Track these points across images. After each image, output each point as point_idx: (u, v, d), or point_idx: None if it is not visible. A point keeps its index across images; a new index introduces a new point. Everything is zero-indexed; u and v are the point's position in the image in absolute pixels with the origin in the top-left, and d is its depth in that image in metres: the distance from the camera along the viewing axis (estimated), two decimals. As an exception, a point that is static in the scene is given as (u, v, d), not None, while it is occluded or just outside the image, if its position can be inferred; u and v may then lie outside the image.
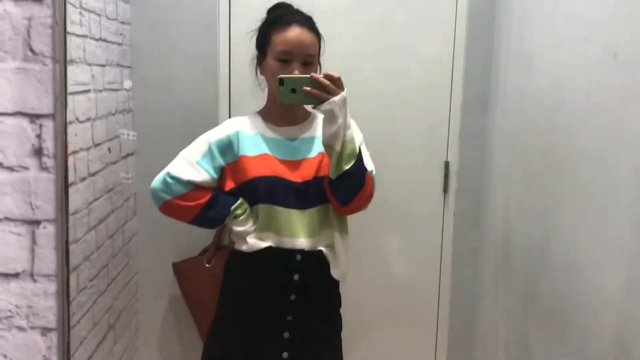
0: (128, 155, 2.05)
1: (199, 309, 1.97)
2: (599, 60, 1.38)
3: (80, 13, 1.60)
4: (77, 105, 1.60)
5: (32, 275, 1.07)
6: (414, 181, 2.18)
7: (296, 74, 1.54)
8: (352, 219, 1.71)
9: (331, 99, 1.45)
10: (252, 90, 1.75)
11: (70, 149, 1.54)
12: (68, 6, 1.13)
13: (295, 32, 1.56)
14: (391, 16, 2.12)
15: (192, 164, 1.59)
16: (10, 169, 1.04)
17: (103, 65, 1.78)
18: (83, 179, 1.66)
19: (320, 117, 1.53)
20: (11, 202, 1.05)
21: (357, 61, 2.11)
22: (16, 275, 1.07)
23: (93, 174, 1.73)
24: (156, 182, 1.60)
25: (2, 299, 1.07)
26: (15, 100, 1.01)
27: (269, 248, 1.60)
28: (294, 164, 1.62)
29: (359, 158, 1.55)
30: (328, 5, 2.08)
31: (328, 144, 1.50)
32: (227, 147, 1.62)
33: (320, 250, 1.64)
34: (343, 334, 1.76)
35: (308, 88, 1.45)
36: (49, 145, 1.03)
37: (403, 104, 2.15)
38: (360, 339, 2.24)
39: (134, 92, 2.07)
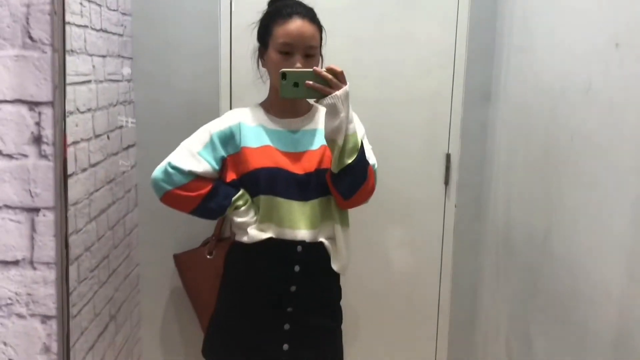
0: (129, 146, 2.05)
1: (200, 301, 1.98)
2: (601, 50, 1.37)
3: (81, 3, 1.60)
4: (77, 96, 1.60)
5: (31, 262, 1.07)
6: (415, 173, 2.18)
7: (298, 67, 1.54)
8: (354, 211, 1.71)
9: (334, 93, 1.45)
10: (254, 82, 1.75)
11: (70, 139, 1.55)
12: (68, -5, 1.13)
13: (296, 24, 1.56)
14: (393, 7, 2.11)
15: (193, 155, 1.60)
16: (10, 156, 1.05)
17: (104, 56, 1.78)
18: (84, 170, 1.66)
19: (322, 110, 1.53)
20: (10, 189, 1.05)
21: (359, 52, 2.11)
22: (16, 263, 1.07)
23: (94, 165, 1.73)
24: (157, 172, 1.60)
25: (2, 287, 1.07)
26: (14, 87, 1.01)
27: (269, 239, 1.61)
28: (296, 156, 1.62)
29: (361, 152, 1.56)
30: (329, -3, 2.08)
31: (330, 138, 1.50)
32: (228, 138, 1.62)
33: (321, 242, 1.64)
34: (344, 326, 1.76)
35: (311, 82, 1.45)
36: (48, 133, 1.03)
37: (404, 96, 2.14)
38: (360, 331, 2.25)
39: (134, 84, 2.07)
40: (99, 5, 1.73)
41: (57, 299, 1.07)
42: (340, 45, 2.01)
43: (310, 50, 1.58)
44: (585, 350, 1.44)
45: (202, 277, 1.95)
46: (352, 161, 1.52)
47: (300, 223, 1.61)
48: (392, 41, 2.12)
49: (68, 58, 1.52)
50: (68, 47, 1.51)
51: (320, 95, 1.46)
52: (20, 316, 1.09)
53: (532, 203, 1.78)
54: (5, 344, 1.09)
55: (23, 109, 1.02)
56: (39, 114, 1.02)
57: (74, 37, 1.55)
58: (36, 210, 1.06)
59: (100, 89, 1.77)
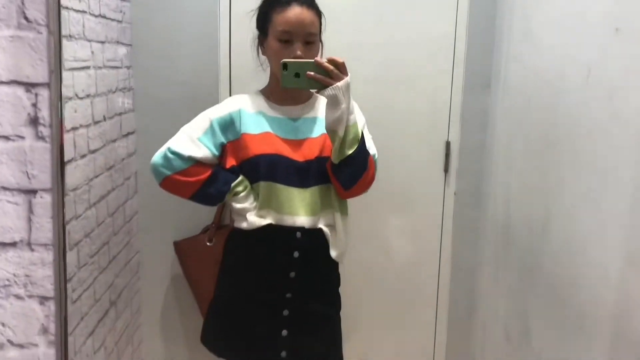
0: (128, 133, 2.06)
1: (200, 288, 1.98)
2: (601, 35, 1.37)
3: (79, -12, 1.59)
4: (76, 81, 1.60)
5: (29, 244, 1.08)
6: (415, 161, 2.18)
7: (298, 55, 1.54)
8: (353, 199, 1.72)
9: (335, 84, 1.45)
10: (254, 69, 1.75)
11: (69, 125, 1.55)
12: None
13: (295, 12, 1.55)
14: (392, -6, 2.11)
15: (193, 140, 1.60)
16: (6, 138, 1.05)
17: (102, 42, 1.78)
18: (83, 156, 1.66)
19: (323, 97, 1.54)
20: (7, 171, 1.05)
21: (358, 40, 2.10)
22: (13, 245, 1.08)
23: (93, 151, 1.73)
24: (157, 157, 1.60)
25: (0, 268, 1.08)
26: (9, 68, 1.01)
27: (269, 225, 1.61)
28: (296, 143, 1.63)
29: (362, 142, 1.56)
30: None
31: (331, 129, 1.50)
32: (228, 124, 1.62)
33: (321, 229, 1.65)
34: (343, 314, 1.76)
35: (312, 73, 1.45)
36: (44, 114, 1.03)
37: (404, 84, 2.14)
38: (359, 319, 2.25)
39: (134, 70, 2.07)
40: (98, -9, 1.73)
41: (54, 280, 1.08)
42: (340, 33, 2.00)
43: (310, 38, 1.58)
44: (584, 335, 1.44)
45: (202, 264, 1.96)
46: (353, 152, 1.53)
47: (299, 210, 1.61)
48: (392, 29, 2.11)
49: (66, 43, 1.52)
50: (66, 32, 1.51)
51: (322, 86, 1.46)
52: (18, 297, 1.09)
53: (532, 190, 1.78)
54: (3, 325, 1.10)
55: (19, 90, 1.02)
56: (36, 95, 1.02)
57: (72, 22, 1.55)
58: (33, 192, 1.06)
59: (99, 75, 1.76)
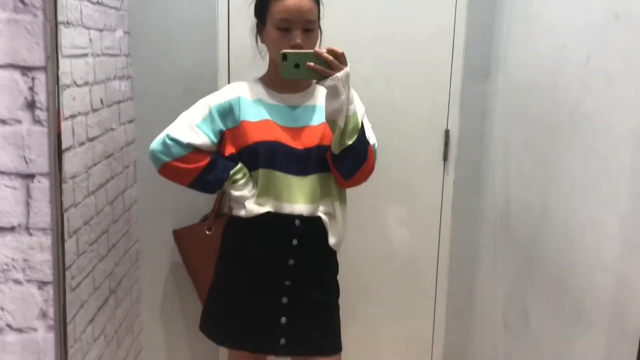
0: (127, 122, 2.05)
1: (200, 276, 1.99)
2: (600, 21, 1.36)
3: (77, -25, 1.59)
4: (74, 69, 1.59)
5: (27, 228, 1.08)
6: (414, 149, 2.17)
7: (298, 43, 1.53)
8: (353, 187, 1.71)
9: (334, 75, 1.45)
10: (252, 57, 1.74)
11: (67, 112, 1.55)
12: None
13: (293, 0, 1.55)
14: (391, -18, 2.10)
15: (192, 127, 1.60)
16: (3, 122, 1.05)
17: (101, 30, 1.78)
18: (82, 144, 1.66)
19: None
20: (5, 155, 1.05)
21: (357, 27, 2.09)
22: (12, 229, 1.08)
23: (92, 139, 1.73)
24: (156, 143, 1.60)
25: (-2, 252, 1.08)
26: (6, 52, 1.01)
27: (267, 213, 1.61)
28: (296, 131, 1.62)
29: (362, 132, 1.56)
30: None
31: (331, 119, 1.50)
32: (227, 111, 1.62)
33: (319, 217, 1.65)
34: (342, 302, 1.77)
35: (312, 64, 1.45)
36: (41, 98, 1.03)
37: (403, 72, 2.13)
38: (358, 306, 2.26)
39: (132, 58, 2.07)
40: (95, -22, 1.72)
41: (53, 265, 1.08)
42: (338, 20, 1.99)
43: (309, 25, 1.57)
44: (582, 323, 1.45)
45: (202, 253, 1.96)
46: (353, 142, 1.53)
47: (298, 197, 1.61)
48: (391, 16, 2.10)
49: (64, 30, 1.52)
50: (64, 18, 1.51)
51: (321, 77, 1.46)
52: (16, 282, 1.10)
53: (531, 177, 1.78)
54: (2, 309, 1.11)
55: (16, 74, 1.02)
56: (32, 79, 1.02)
57: (70, 8, 1.54)
58: (31, 176, 1.06)
59: (98, 62, 1.76)
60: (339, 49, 1.47)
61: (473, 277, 2.25)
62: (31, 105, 1.04)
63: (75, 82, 1.60)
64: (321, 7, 1.63)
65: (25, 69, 1.02)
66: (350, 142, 1.53)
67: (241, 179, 1.62)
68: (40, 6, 0.99)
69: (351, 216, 1.89)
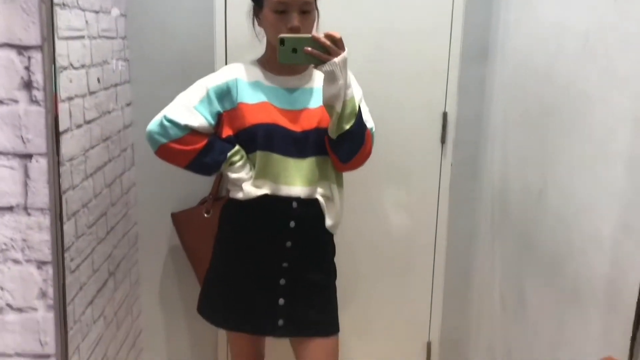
0: (125, 105, 2.05)
1: (198, 259, 1.99)
2: (599, 1, 1.36)
3: (72, -45, 1.57)
4: (70, 51, 1.58)
5: (25, 208, 1.08)
6: (411, 132, 2.17)
7: (295, 25, 1.53)
8: (350, 171, 1.71)
9: (332, 60, 1.45)
10: (249, 39, 1.73)
11: (64, 94, 1.54)
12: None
13: None
14: (389, -37, 2.08)
15: (189, 109, 1.60)
16: (0, 102, 1.04)
17: (97, 12, 1.76)
18: (79, 126, 1.66)
19: None
20: (2, 135, 1.05)
21: (355, 12, 2.08)
22: (10, 209, 1.08)
23: (89, 122, 1.73)
24: (153, 125, 1.60)
25: (-3, 232, 1.09)
26: (1, 31, 1.00)
27: (265, 196, 1.62)
28: (294, 114, 1.62)
29: (359, 117, 1.56)
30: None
31: (329, 104, 1.50)
32: (225, 93, 1.62)
33: (316, 199, 1.65)
34: (339, 284, 1.78)
35: (309, 49, 1.45)
36: (38, 78, 1.02)
37: (401, 54, 2.12)
38: (356, 289, 2.27)
39: (129, 41, 2.06)
40: (91, -41, 1.71)
41: (52, 245, 1.09)
42: (335, 4, 1.98)
43: (306, 7, 1.56)
44: (578, 303, 1.46)
45: (200, 236, 1.97)
46: (351, 127, 1.54)
47: (296, 180, 1.62)
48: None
49: (60, 11, 1.51)
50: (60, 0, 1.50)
51: (319, 62, 1.46)
52: (16, 261, 1.10)
53: (528, 159, 1.79)
54: (2, 289, 1.11)
55: (12, 54, 1.02)
56: (29, 58, 1.02)
57: (66, -11, 1.53)
58: (29, 156, 1.07)
59: (94, 45, 1.75)
60: (336, 33, 1.46)
61: (470, 259, 2.26)
62: (28, 85, 1.04)
63: (71, 64, 1.59)
64: (318, -11, 1.62)
65: (21, 49, 1.02)
66: (347, 127, 1.54)
67: (238, 161, 1.62)
68: (36, -15, 0.98)
69: (349, 199, 1.90)
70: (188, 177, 1.78)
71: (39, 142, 1.06)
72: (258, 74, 1.65)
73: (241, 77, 1.63)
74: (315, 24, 1.62)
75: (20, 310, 1.12)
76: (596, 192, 1.39)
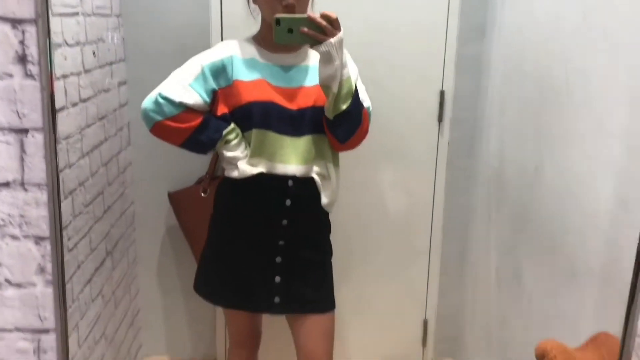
0: (120, 84, 2.04)
1: (195, 238, 2.00)
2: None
3: None
4: (65, 28, 1.57)
5: (22, 184, 1.08)
6: (408, 110, 2.17)
7: (290, 3, 1.51)
8: (348, 151, 1.71)
9: (328, 41, 1.44)
10: (245, 17, 1.72)
11: (59, 72, 1.53)
12: None
13: None
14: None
15: (184, 86, 1.59)
16: (-5, 76, 1.04)
17: (91, -12, 1.75)
18: (74, 104, 1.65)
19: None
20: (-3, 110, 1.05)
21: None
22: (6, 185, 1.08)
23: (84, 100, 1.72)
24: (147, 102, 1.59)
25: (-6, 208, 1.08)
26: (-5, 4, 0.99)
27: (260, 174, 1.61)
28: (290, 92, 1.61)
29: (356, 96, 1.55)
30: None
31: (325, 85, 1.50)
32: (220, 70, 1.61)
33: (312, 178, 1.65)
34: (336, 262, 1.78)
35: (305, 29, 1.44)
36: (32, 51, 1.01)
37: (398, 32, 2.11)
38: (353, 267, 2.28)
39: (123, 19, 2.04)
40: None
41: (49, 220, 1.09)
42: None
43: None
44: (574, 279, 1.47)
45: (197, 215, 1.97)
46: (347, 106, 1.53)
47: (291, 158, 1.61)
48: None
49: (53, -13, 1.49)
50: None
51: (315, 42, 1.45)
52: (14, 237, 1.10)
53: (525, 137, 1.79)
54: (0, 264, 1.11)
55: (6, 27, 1.01)
56: (23, 32, 1.01)
57: (59, -36, 1.51)
58: (25, 131, 1.06)
59: (89, 22, 1.73)
60: (333, 13, 1.45)
61: (466, 236, 2.28)
62: (22, 59, 1.03)
63: (66, 42, 1.58)
64: (314, -36, 1.61)
65: (15, 22, 1.00)
66: (344, 107, 1.53)
67: (234, 139, 1.62)
68: (28, -44, 0.97)
69: (346, 177, 1.90)
70: (184, 156, 1.77)
71: (34, 117, 1.05)
72: (253, 51, 1.64)
73: (236, 54, 1.62)
74: (310, 2, 1.61)
75: (19, 285, 1.12)
76: (593, 168, 1.39)
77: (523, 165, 1.78)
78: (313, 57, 1.65)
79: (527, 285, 1.73)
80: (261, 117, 1.59)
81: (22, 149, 1.06)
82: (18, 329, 1.13)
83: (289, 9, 1.51)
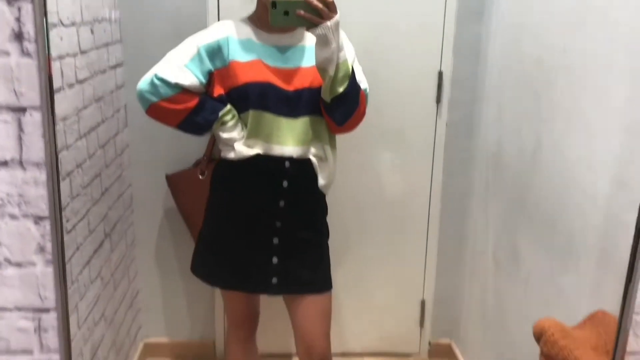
0: (116, 65, 2.02)
1: (193, 220, 2.00)
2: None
3: None
4: (60, 7, 1.55)
5: (21, 163, 1.07)
6: (406, 91, 2.16)
7: None
8: (345, 133, 1.71)
9: (324, 23, 1.43)
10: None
11: (55, 52, 1.52)
12: None
13: None
14: None
15: (180, 67, 1.58)
16: (-9, 54, 1.03)
17: (86, -32, 1.72)
18: (71, 86, 1.63)
19: None
20: (-6, 88, 1.04)
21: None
22: (5, 164, 1.07)
23: (81, 82, 1.70)
24: (143, 83, 1.58)
25: (-7, 187, 1.08)
26: (-11, -20, 0.98)
27: (257, 155, 1.61)
28: (286, 72, 1.61)
29: (353, 78, 1.55)
30: None
31: (321, 68, 1.49)
32: (216, 51, 1.60)
33: (309, 159, 1.65)
34: (334, 243, 1.79)
35: (302, 12, 1.43)
36: (29, 29, 1.00)
37: (396, 14, 2.10)
38: (351, 248, 2.29)
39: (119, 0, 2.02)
40: None
41: (48, 199, 1.08)
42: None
43: None
44: (571, 257, 1.48)
45: (195, 197, 1.96)
46: (344, 89, 1.53)
47: (288, 139, 1.61)
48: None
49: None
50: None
51: (311, 24, 1.44)
52: (13, 217, 1.10)
53: (524, 116, 1.79)
54: (0, 244, 1.11)
55: (1, 4, 1.00)
56: (19, 9, 1.00)
57: (53, -57, 1.49)
58: (22, 109, 1.05)
59: (85, 2, 1.72)
60: None
61: (464, 218, 2.28)
62: (19, 36, 1.02)
63: (61, 22, 1.56)
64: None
65: (10, -1, 0.99)
66: (341, 90, 1.53)
67: (230, 120, 1.61)
68: None
69: (344, 159, 1.90)
70: (182, 138, 1.76)
71: (32, 95, 1.04)
72: (249, 31, 1.63)
73: (232, 34, 1.61)
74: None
75: (18, 265, 1.12)
76: (591, 148, 1.40)
77: (522, 146, 1.78)
78: (309, 37, 1.64)
79: (525, 265, 1.74)
80: (258, 98, 1.58)
81: (20, 128, 1.05)
82: (18, 308, 1.14)
83: None
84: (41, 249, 1.11)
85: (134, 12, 2.05)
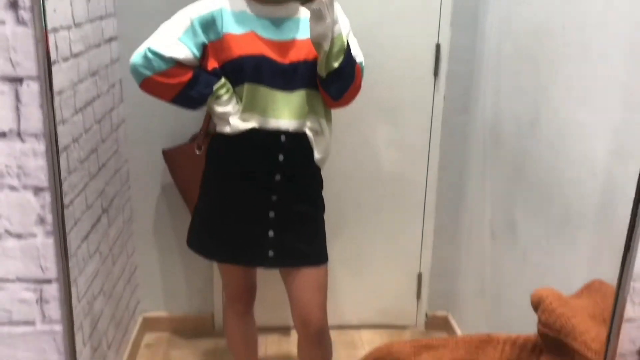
0: (110, 39, 2.00)
1: (191, 195, 1.99)
2: None
3: None
4: (54, -22, 1.53)
5: (19, 134, 1.06)
6: (404, 65, 2.15)
7: None
8: (341, 107, 1.70)
9: None
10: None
11: (50, 25, 1.49)
12: None
13: None
14: None
15: (173, 40, 1.56)
16: (-13, 23, 1.01)
17: (78, -62, 1.69)
18: (66, 59, 1.62)
19: None
20: (-10, 58, 1.02)
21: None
22: (3, 135, 1.06)
23: (76, 55, 1.68)
24: (136, 57, 1.56)
25: (-9, 159, 1.07)
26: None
27: (252, 129, 1.60)
28: (281, 45, 1.59)
29: (348, 52, 1.54)
30: None
31: (316, 42, 1.48)
32: (209, 23, 1.58)
33: (305, 133, 1.64)
34: (330, 218, 1.79)
35: None
36: (24, -4, 0.99)
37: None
38: (348, 222, 2.30)
39: (113, -28, 1.99)
40: None
41: (48, 170, 1.08)
42: None
43: None
44: (568, 228, 1.49)
45: (192, 172, 1.96)
46: (340, 63, 1.52)
47: (284, 113, 1.60)
48: None
49: None
50: None
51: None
52: (12, 188, 1.09)
53: (521, 90, 1.78)
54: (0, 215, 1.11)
55: (-4, -28, 0.98)
56: (13, -24, 0.98)
57: None
58: (19, 80, 1.04)
59: (77, -27, 1.69)
60: None
61: (461, 191, 2.29)
62: (14, 4, 1.00)
63: (54, -7, 1.54)
64: None
65: (5, -35, 0.97)
66: (336, 65, 1.52)
67: (225, 94, 1.60)
68: None
69: (341, 133, 1.89)
70: (178, 113, 1.75)
71: (29, 65, 1.03)
72: (243, 4, 1.61)
73: (226, 6, 1.59)
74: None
75: (19, 236, 1.12)
76: (589, 119, 1.40)
77: (519, 117, 1.78)
78: (304, 10, 1.62)
79: (522, 236, 1.76)
80: (252, 71, 1.57)
81: (17, 99, 1.04)
82: (20, 279, 1.14)
83: None
84: (41, 220, 1.10)
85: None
